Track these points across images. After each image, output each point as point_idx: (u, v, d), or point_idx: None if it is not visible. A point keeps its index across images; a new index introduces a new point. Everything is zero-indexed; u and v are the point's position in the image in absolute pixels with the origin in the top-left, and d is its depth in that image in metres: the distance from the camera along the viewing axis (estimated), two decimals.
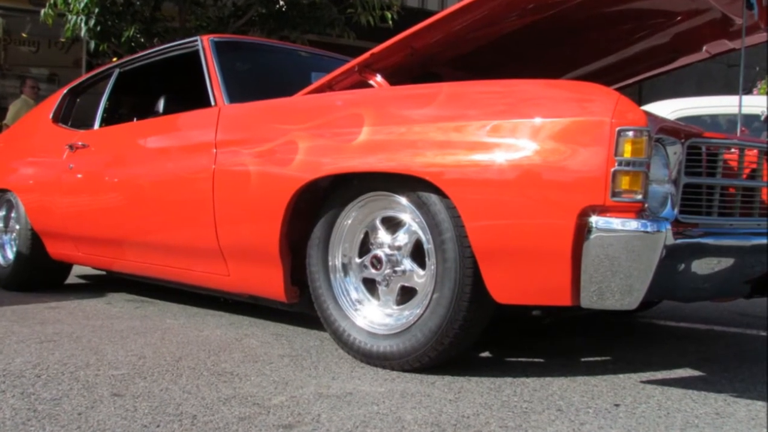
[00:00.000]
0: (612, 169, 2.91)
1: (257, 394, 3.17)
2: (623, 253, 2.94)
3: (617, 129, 2.91)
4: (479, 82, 3.55)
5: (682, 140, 3.22)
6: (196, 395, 3.14)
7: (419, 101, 3.60)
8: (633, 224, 2.93)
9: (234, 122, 4.32)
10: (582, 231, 2.96)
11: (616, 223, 2.94)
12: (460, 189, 3.25)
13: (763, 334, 4.80)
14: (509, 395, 3.25)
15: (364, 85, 4.06)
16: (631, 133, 2.91)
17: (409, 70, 4.27)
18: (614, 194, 2.92)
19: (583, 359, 3.97)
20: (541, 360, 3.92)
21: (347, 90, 4.08)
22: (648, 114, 3.00)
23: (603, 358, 4.01)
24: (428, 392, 3.24)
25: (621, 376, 3.62)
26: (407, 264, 3.61)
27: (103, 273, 6.61)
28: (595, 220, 2.95)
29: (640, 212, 2.96)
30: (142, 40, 9.41)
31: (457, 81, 3.59)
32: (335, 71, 4.08)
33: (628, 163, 2.92)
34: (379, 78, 4.01)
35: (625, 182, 2.92)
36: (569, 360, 3.93)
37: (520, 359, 3.91)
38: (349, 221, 3.76)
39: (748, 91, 11.08)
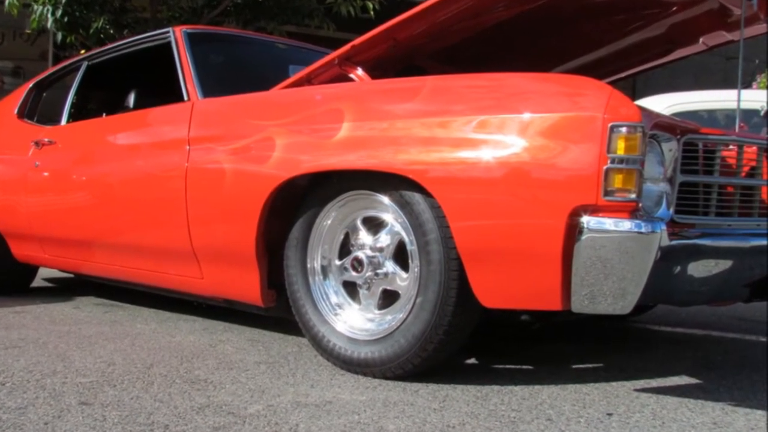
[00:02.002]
0: (604, 167, 2.79)
1: (232, 403, 3.03)
2: (616, 255, 2.81)
3: (609, 125, 2.79)
4: (465, 75, 3.42)
5: (678, 137, 3.10)
6: (168, 404, 2.99)
7: (402, 95, 3.46)
8: (627, 225, 2.80)
9: (208, 118, 4.16)
10: (573, 232, 2.83)
11: (608, 223, 2.81)
12: (445, 187, 3.11)
13: (763, 339, 4.70)
14: (496, 404, 3.11)
15: (345, 78, 3.91)
16: (624, 129, 2.78)
17: (392, 63, 4.15)
18: (607, 193, 2.79)
19: (573, 366, 3.84)
20: (530, 367, 3.78)
21: (327, 84, 3.92)
22: (642, 109, 2.87)
23: (595, 365, 3.89)
24: (412, 401, 3.10)
25: (614, 383, 3.48)
26: (389, 266, 3.48)
27: (71, 276, 6.42)
28: (586, 220, 2.82)
29: (634, 212, 2.83)
30: (112, 31, 9.18)
31: (443, 75, 3.44)
32: (314, 64, 3.93)
33: (621, 161, 2.79)
34: (360, 71, 3.87)
35: (618, 181, 2.80)
36: (559, 367, 3.79)
37: (507, 366, 3.77)
38: (329, 221, 3.61)
39: (747, 85, 10.99)
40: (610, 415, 3.00)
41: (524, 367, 3.79)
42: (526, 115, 3.00)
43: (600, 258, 2.84)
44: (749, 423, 2.98)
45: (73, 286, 6.42)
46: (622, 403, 3.19)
